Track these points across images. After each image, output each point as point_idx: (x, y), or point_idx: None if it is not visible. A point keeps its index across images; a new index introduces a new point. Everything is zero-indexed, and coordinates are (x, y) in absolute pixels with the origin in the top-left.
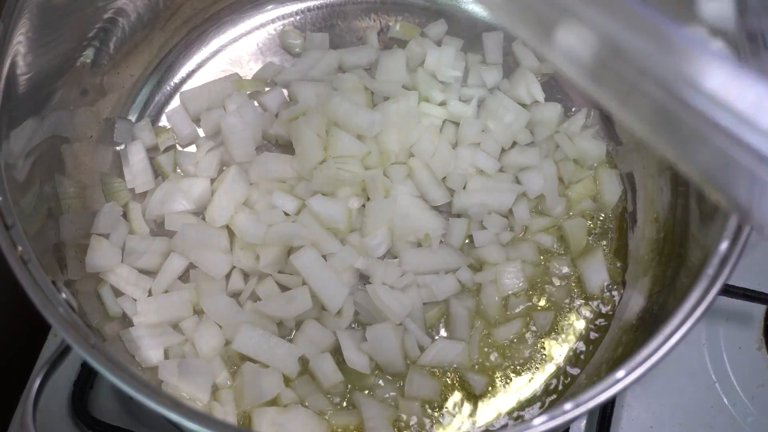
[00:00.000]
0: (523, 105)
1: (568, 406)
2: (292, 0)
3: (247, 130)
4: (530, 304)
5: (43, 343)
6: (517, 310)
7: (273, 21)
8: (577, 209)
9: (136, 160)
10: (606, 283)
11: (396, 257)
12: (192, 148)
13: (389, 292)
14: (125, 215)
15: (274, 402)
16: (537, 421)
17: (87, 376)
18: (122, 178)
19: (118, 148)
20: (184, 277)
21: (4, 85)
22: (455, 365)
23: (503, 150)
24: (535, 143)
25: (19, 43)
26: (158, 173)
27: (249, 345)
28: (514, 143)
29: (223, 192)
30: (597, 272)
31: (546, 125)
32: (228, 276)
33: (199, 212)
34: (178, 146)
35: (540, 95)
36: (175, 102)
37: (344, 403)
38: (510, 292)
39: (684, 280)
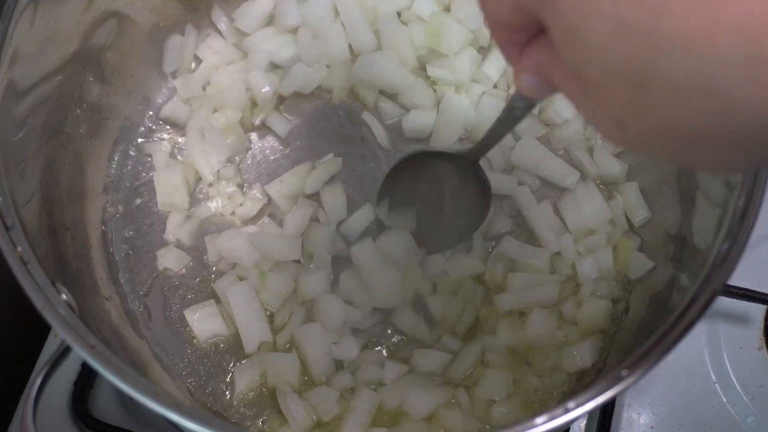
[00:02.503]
0: (553, 124)
1: (569, 405)
2: None
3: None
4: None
5: (43, 344)
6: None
7: None
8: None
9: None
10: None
11: None
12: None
13: None
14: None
15: None
16: (537, 420)
17: (87, 377)
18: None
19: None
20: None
21: (4, 84)
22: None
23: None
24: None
25: (19, 42)
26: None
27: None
28: None
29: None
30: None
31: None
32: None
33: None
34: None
35: (568, 112)
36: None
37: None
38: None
39: (684, 280)
